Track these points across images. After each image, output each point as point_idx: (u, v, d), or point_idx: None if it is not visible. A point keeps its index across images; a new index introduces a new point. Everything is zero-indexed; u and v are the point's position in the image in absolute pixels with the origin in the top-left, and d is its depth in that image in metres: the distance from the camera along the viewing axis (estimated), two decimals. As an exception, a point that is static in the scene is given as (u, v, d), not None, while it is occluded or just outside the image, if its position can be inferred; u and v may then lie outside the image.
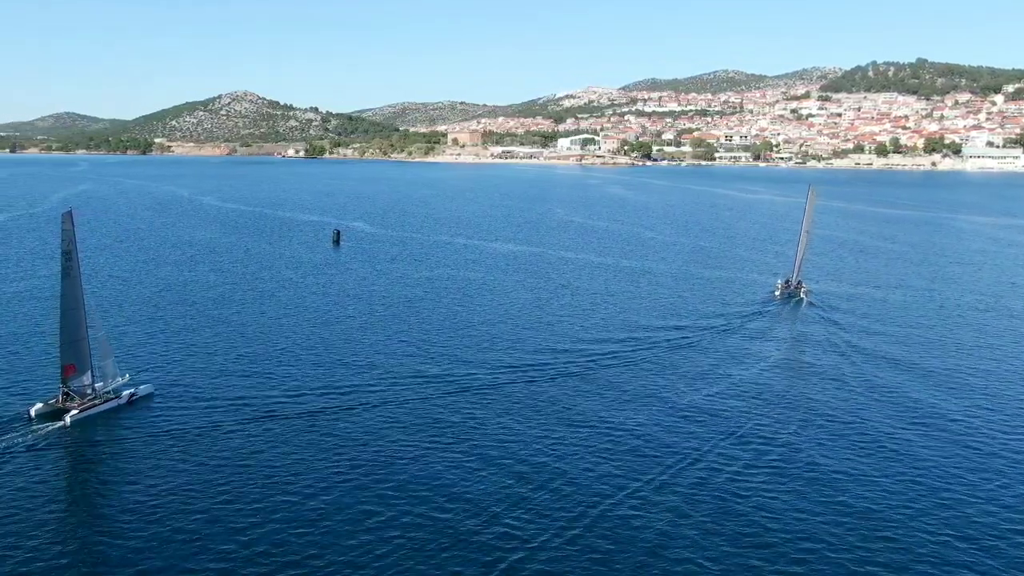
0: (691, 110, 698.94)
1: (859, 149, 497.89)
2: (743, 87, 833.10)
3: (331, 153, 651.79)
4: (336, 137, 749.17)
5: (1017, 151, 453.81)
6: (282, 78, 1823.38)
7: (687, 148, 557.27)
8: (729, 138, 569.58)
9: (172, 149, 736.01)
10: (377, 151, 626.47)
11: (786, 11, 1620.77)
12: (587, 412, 40.76)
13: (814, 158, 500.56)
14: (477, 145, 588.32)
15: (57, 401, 39.49)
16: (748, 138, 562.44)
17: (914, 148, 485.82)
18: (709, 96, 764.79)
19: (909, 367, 50.32)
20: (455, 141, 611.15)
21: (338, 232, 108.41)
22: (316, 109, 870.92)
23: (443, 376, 46.08)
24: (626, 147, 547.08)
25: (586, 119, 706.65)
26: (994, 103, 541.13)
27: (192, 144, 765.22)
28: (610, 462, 34.64)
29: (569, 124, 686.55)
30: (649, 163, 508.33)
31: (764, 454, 35.82)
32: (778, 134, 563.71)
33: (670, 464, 34.51)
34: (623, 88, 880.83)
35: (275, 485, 31.83)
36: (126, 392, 41.41)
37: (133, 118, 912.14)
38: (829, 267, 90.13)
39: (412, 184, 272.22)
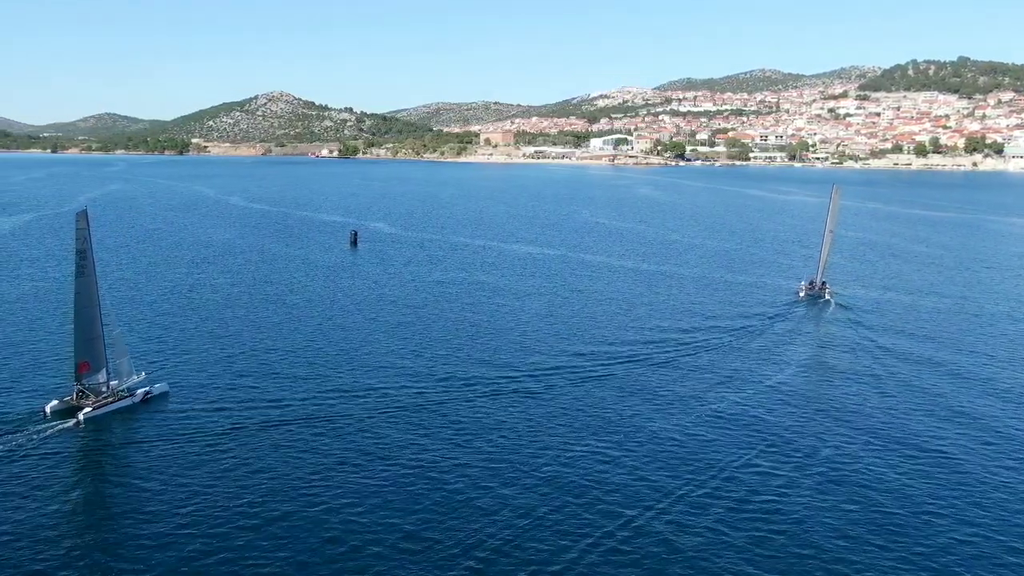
0: (726, 110, 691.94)
1: (897, 149, 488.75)
2: (780, 86, 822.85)
3: (364, 153, 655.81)
4: (370, 137, 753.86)
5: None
6: (318, 79, 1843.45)
7: (721, 148, 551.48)
8: (764, 138, 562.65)
9: (208, 149, 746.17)
10: (410, 151, 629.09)
11: (825, 9, 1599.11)
12: (618, 417, 40.18)
13: (851, 158, 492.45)
14: (509, 145, 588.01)
15: (72, 398, 39.96)
16: (784, 138, 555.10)
17: (954, 148, 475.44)
18: (745, 96, 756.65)
19: (935, 367, 49.69)
20: (487, 141, 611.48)
21: (355, 233, 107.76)
22: (351, 109, 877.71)
23: (466, 380, 45.52)
24: (659, 147, 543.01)
25: (620, 119, 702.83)
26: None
27: (228, 144, 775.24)
28: (645, 471, 33.89)
29: (603, 124, 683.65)
30: (682, 163, 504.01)
31: (806, 465, 34.84)
32: (814, 134, 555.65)
33: (708, 473, 33.69)
34: (658, 88, 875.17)
35: (287, 488, 31.75)
36: (140, 391, 41.76)
37: (172, 119, 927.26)
38: (857, 270, 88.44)
39: (440, 184, 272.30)
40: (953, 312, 67.10)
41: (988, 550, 27.93)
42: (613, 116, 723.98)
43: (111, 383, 41.33)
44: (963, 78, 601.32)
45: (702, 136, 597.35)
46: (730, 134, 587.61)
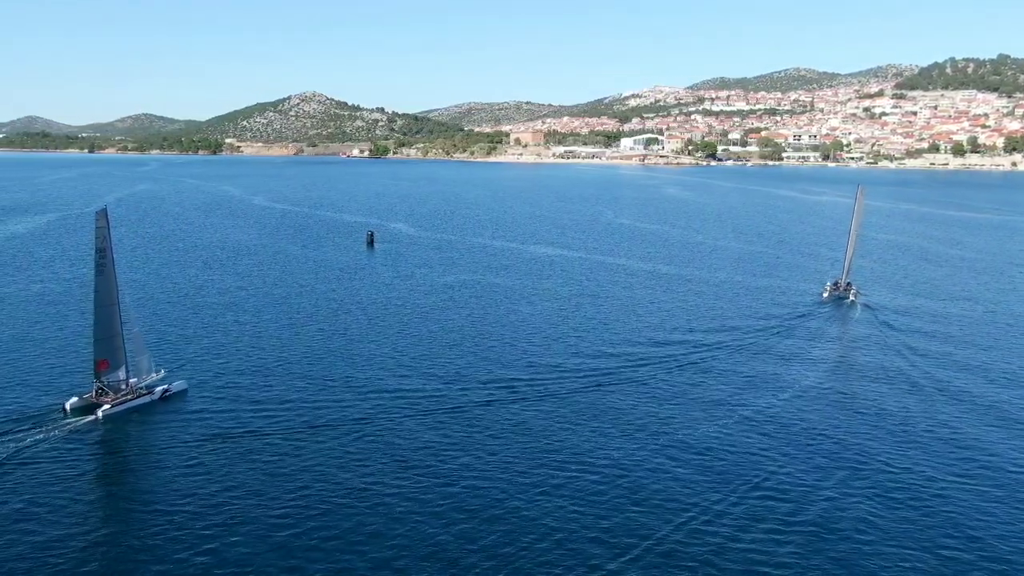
0: (760, 109, 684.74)
1: (934, 149, 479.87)
2: (814, 85, 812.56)
3: (395, 153, 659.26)
4: (401, 137, 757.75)
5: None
6: (351, 79, 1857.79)
7: (753, 148, 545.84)
8: (798, 137, 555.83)
9: (241, 149, 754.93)
10: (440, 151, 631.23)
11: (861, 7, 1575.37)
12: (653, 422, 39.67)
13: (886, 158, 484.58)
14: (539, 145, 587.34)
15: (91, 396, 40.42)
16: (817, 138, 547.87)
17: (993, 147, 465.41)
18: (779, 95, 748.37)
19: (968, 371, 48.98)
20: (517, 141, 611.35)
21: (372, 234, 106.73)
22: (382, 109, 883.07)
23: (488, 384, 45.15)
24: (690, 147, 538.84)
25: (652, 119, 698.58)
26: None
27: (261, 144, 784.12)
28: (688, 478, 33.18)
29: (634, 124, 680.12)
30: (714, 163, 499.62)
31: (857, 475, 34.04)
32: (849, 133, 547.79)
33: (753, 482, 32.99)
34: (690, 87, 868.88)
35: (305, 489, 31.80)
36: (159, 388, 42.16)
37: (207, 119, 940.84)
38: (886, 272, 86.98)
39: (466, 184, 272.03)
40: (986, 317, 65.51)
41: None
42: (645, 116, 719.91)
43: (130, 380, 41.75)
44: (1003, 76, 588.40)
45: (734, 136, 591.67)
46: (763, 133, 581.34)
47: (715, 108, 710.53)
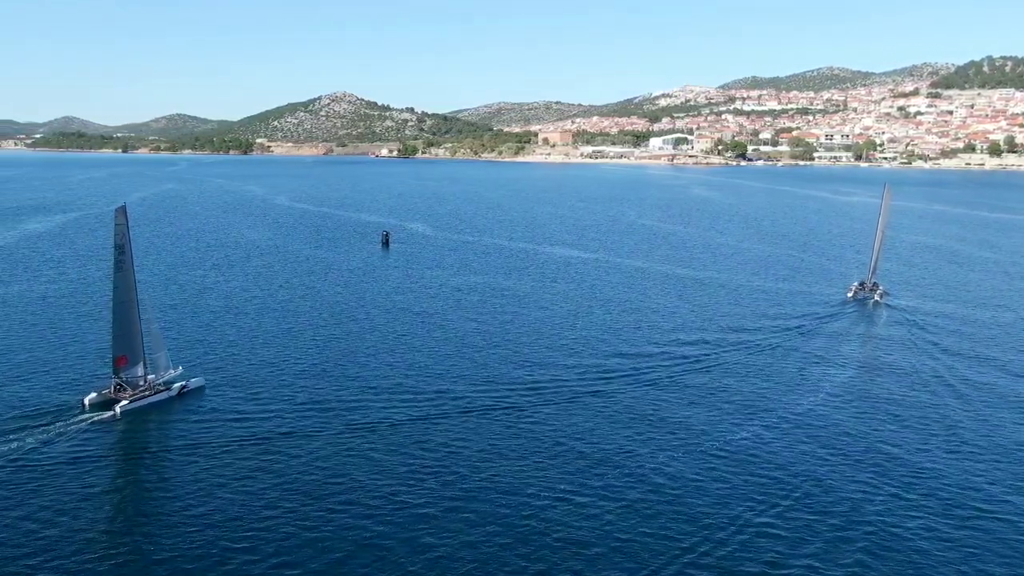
0: (792, 108, 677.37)
1: (970, 149, 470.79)
2: (848, 84, 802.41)
3: (423, 153, 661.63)
4: (430, 137, 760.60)
5: None
6: (381, 79, 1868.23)
7: (784, 148, 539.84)
8: (830, 137, 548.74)
9: (271, 149, 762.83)
10: (468, 151, 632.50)
11: (897, 5, 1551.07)
12: (686, 425, 39.12)
13: (920, 158, 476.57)
14: (567, 145, 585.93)
15: (110, 391, 40.87)
16: (850, 137, 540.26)
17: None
18: (811, 94, 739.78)
19: (999, 371, 48.33)
20: (545, 141, 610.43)
21: (387, 234, 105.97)
22: (412, 109, 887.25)
23: (512, 386, 44.75)
24: (720, 147, 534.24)
25: (682, 118, 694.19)
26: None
27: (291, 144, 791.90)
28: (724, 484, 32.55)
29: (664, 123, 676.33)
30: (744, 163, 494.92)
31: (911, 483, 33.30)
32: (883, 133, 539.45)
33: (801, 489, 32.33)
34: (722, 87, 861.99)
35: (320, 487, 31.88)
36: (177, 385, 42.57)
37: (239, 119, 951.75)
38: (914, 274, 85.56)
39: (490, 184, 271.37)
40: (1019, 321, 63.94)
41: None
42: (675, 115, 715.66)
43: (148, 377, 42.21)
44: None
45: (765, 135, 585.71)
46: (794, 133, 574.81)
47: (746, 108, 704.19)
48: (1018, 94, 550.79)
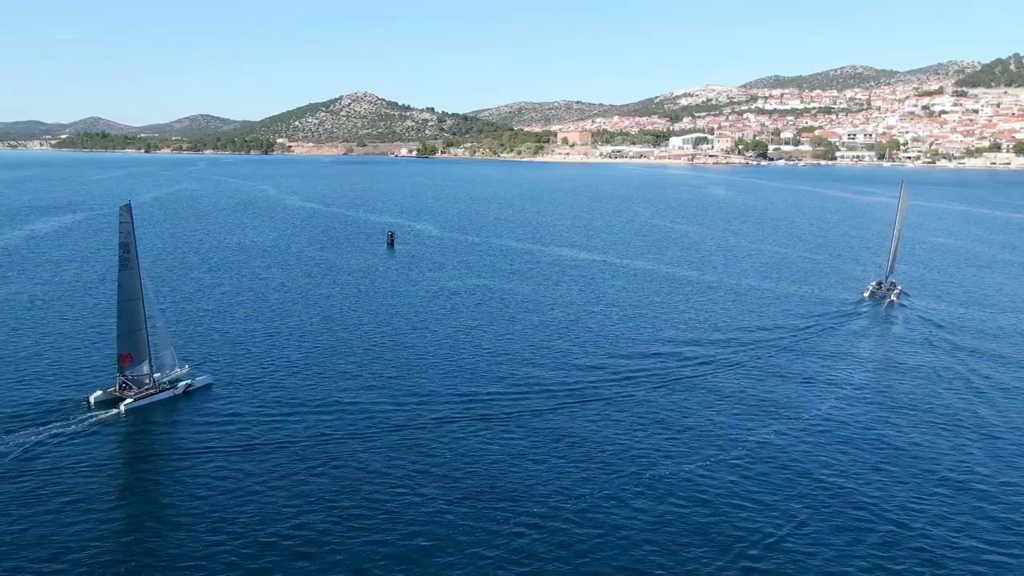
0: (815, 107, 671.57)
1: (995, 148, 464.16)
2: (872, 83, 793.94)
3: (442, 153, 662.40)
4: (450, 137, 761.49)
5: None
6: (403, 80, 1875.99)
7: (806, 147, 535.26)
8: (852, 136, 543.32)
9: (292, 149, 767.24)
10: (487, 151, 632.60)
11: (922, 2, 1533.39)
12: (709, 427, 38.61)
13: (944, 157, 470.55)
14: (586, 144, 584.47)
15: (115, 389, 41.03)
16: (873, 136, 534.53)
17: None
18: (835, 93, 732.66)
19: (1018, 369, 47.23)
20: (564, 140, 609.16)
21: (392, 234, 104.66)
22: (432, 109, 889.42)
23: (530, 388, 44.25)
24: (740, 146, 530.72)
25: (703, 117, 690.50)
26: None
27: (311, 144, 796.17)
28: (755, 489, 31.99)
29: (685, 123, 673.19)
30: (764, 163, 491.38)
31: (933, 480, 33.06)
32: (907, 132, 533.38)
33: (827, 492, 31.79)
34: (744, 86, 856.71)
35: (325, 487, 31.76)
36: (182, 383, 42.63)
37: (261, 119, 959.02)
38: (933, 275, 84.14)
39: (506, 184, 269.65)
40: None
41: None
42: (696, 115, 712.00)
43: (154, 375, 42.32)
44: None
45: (786, 135, 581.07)
46: (816, 132, 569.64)
47: (768, 107, 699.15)
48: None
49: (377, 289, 72.28)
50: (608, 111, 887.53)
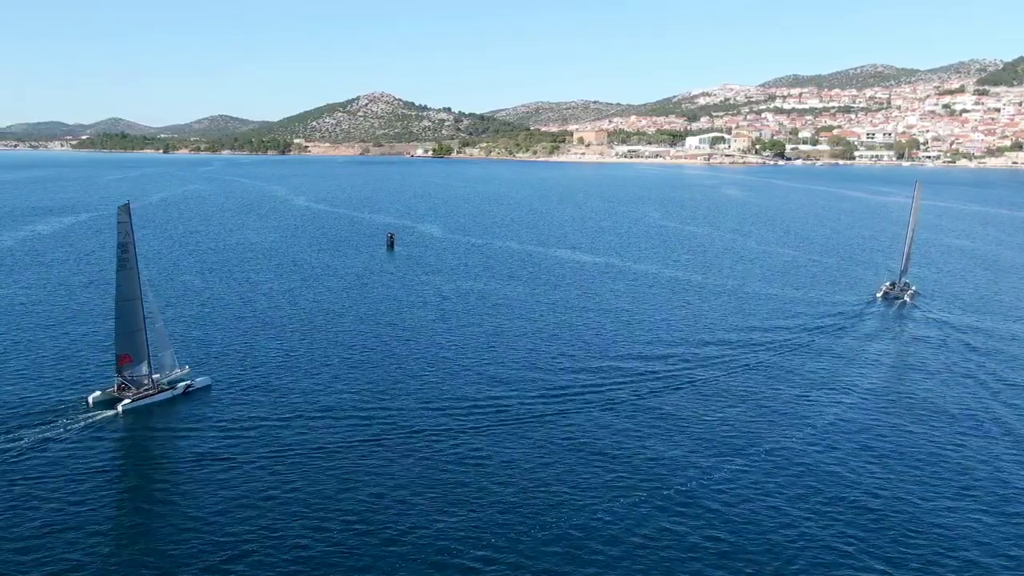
0: (834, 107, 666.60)
1: (1017, 147, 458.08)
2: (892, 82, 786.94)
3: (458, 153, 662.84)
4: (466, 137, 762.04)
5: None
6: (420, 80, 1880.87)
7: (824, 146, 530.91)
8: (871, 135, 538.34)
9: (309, 149, 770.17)
10: (503, 150, 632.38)
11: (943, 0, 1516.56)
12: (725, 430, 38.16)
13: (965, 156, 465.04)
14: (602, 144, 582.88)
15: (114, 390, 41.00)
16: (893, 136, 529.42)
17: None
18: (854, 92, 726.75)
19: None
20: (580, 140, 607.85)
21: (392, 236, 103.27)
22: (449, 109, 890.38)
23: (531, 392, 43.72)
24: (757, 146, 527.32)
25: (720, 117, 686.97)
26: None
27: (328, 144, 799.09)
28: (778, 494, 31.52)
29: (703, 122, 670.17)
30: (781, 162, 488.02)
31: (969, 489, 32.34)
32: (927, 131, 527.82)
33: (852, 497, 31.27)
34: (762, 85, 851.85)
35: (324, 488, 31.58)
36: (181, 384, 42.55)
37: (279, 120, 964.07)
38: (947, 278, 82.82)
39: (518, 184, 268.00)
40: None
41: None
42: (714, 114, 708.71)
43: (153, 376, 42.22)
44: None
45: (804, 134, 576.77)
46: (835, 132, 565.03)
47: (786, 106, 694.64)
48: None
49: (372, 294, 70.60)
50: (625, 111, 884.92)
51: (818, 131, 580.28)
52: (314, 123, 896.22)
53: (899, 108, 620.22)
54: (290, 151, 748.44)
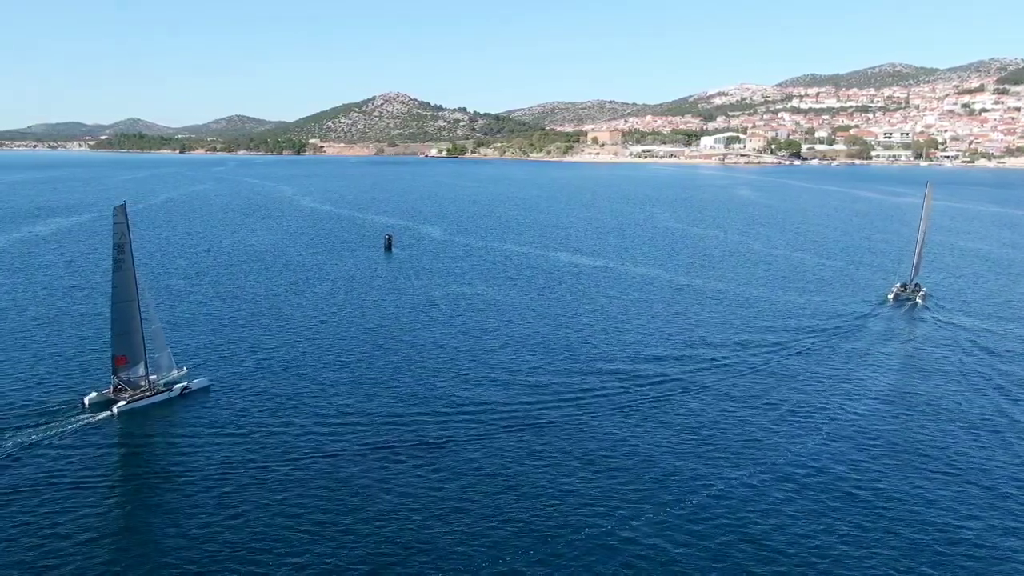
0: (851, 106, 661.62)
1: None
2: (911, 81, 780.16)
3: (473, 153, 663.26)
4: (481, 137, 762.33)
5: None
6: (436, 80, 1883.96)
7: (841, 146, 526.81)
8: (888, 135, 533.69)
9: (324, 149, 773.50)
10: (517, 150, 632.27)
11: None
12: (738, 435, 37.61)
13: (984, 156, 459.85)
14: (616, 144, 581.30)
15: (110, 391, 40.83)
16: (911, 135, 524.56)
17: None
18: (872, 91, 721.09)
19: None
20: (594, 140, 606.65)
21: (390, 237, 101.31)
22: (464, 109, 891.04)
23: (538, 397, 43.04)
24: (773, 145, 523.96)
25: (737, 117, 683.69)
26: None
27: (343, 144, 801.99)
28: (795, 502, 30.97)
29: (719, 122, 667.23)
30: (797, 162, 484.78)
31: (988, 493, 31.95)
32: (945, 131, 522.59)
33: (875, 504, 30.81)
34: (779, 84, 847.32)
35: (317, 489, 31.42)
36: (178, 385, 42.34)
37: (295, 120, 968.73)
38: (959, 280, 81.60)
39: (529, 185, 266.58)
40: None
41: None
42: (730, 114, 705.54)
43: (150, 377, 42.00)
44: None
45: (821, 134, 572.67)
46: (852, 131, 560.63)
47: (803, 106, 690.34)
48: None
49: (365, 297, 69.20)
50: (641, 111, 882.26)
51: (835, 131, 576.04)
52: (330, 123, 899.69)
53: (917, 107, 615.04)
54: (305, 151, 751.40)
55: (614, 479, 32.74)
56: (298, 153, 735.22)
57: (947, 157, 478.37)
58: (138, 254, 42.40)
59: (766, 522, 29.27)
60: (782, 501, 30.93)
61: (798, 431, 38.21)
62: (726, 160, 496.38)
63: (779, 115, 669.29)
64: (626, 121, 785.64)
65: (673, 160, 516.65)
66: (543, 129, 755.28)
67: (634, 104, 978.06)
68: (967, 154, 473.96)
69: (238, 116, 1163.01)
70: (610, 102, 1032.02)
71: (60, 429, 37.10)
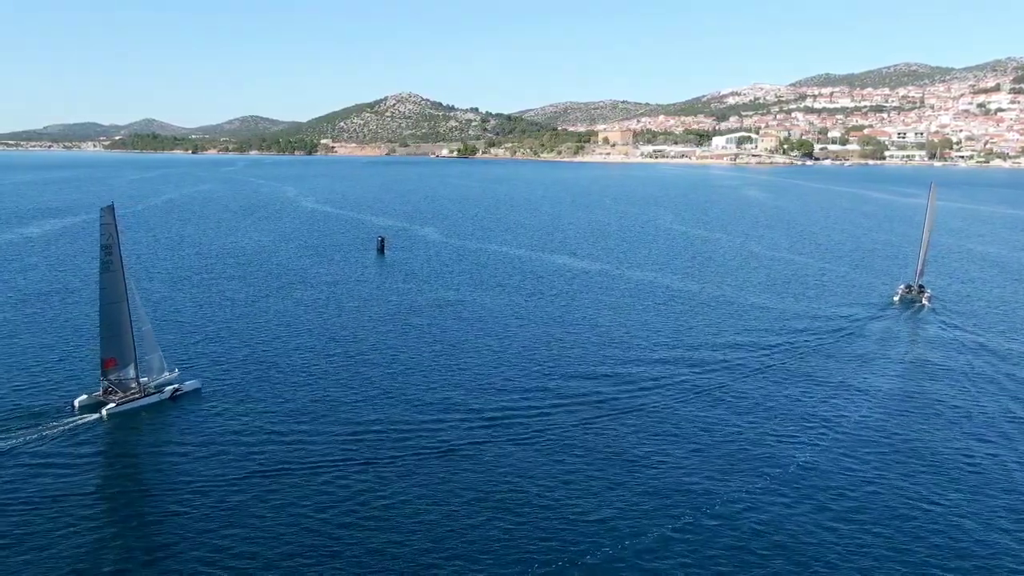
0: (865, 106, 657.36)
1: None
2: (926, 81, 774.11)
3: (484, 153, 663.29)
4: (493, 137, 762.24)
5: None
6: (448, 80, 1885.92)
7: (854, 146, 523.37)
8: (903, 135, 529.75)
9: (335, 149, 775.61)
10: (528, 151, 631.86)
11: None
12: (744, 440, 37.04)
13: (999, 156, 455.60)
14: (627, 144, 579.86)
15: (100, 394, 40.64)
16: (925, 135, 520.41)
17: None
18: (886, 91, 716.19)
19: None
20: (605, 140, 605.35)
21: (383, 240, 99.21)
22: (476, 110, 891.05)
23: (542, 401, 42.49)
24: (785, 145, 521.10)
25: (750, 116, 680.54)
26: None
27: (354, 145, 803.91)
28: (805, 503, 30.71)
29: (732, 122, 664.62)
30: (809, 162, 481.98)
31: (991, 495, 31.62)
32: (960, 131, 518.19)
33: (890, 511, 30.32)
34: (793, 84, 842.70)
35: (306, 492, 31.28)
36: (169, 387, 42.09)
37: (308, 120, 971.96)
38: (966, 283, 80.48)
39: (536, 185, 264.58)
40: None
41: None
42: (743, 114, 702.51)
43: (140, 379, 41.82)
44: None
45: (834, 134, 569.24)
46: (866, 131, 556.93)
47: (817, 106, 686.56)
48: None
49: (358, 298, 68.43)
50: (654, 111, 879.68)
51: (848, 131, 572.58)
52: (342, 123, 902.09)
53: (932, 107, 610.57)
54: (317, 151, 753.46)
55: (626, 485, 32.30)
56: (309, 153, 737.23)
57: (961, 157, 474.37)
58: (131, 255, 42.43)
59: (783, 531, 28.90)
60: (790, 505, 30.57)
61: (802, 434, 37.77)
62: (737, 160, 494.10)
63: (792, 115, 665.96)
64: (638, 121, 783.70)
65: (684, 160, 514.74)
66: (554, 129, 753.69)
67: (647, 104, 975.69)
68: (982, 154, 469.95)
69: (252, 116, 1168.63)
70: (623, 102, 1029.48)
71: (49, 432, 36.92)
